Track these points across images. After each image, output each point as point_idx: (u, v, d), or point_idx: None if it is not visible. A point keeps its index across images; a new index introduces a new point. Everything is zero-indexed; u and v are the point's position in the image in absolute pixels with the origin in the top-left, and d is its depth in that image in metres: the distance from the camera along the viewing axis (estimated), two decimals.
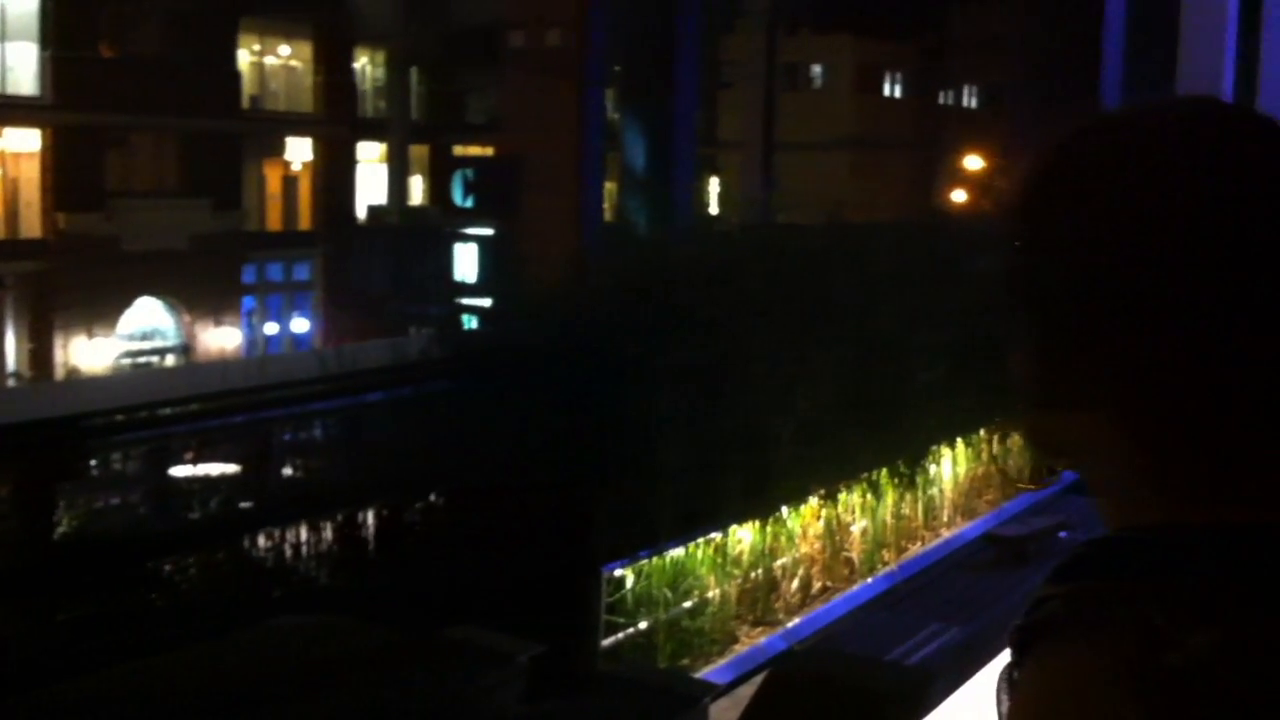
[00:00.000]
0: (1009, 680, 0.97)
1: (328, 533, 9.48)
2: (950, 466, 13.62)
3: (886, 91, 53.57)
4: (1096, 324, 0.99)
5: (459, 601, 8.81)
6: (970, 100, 57.80)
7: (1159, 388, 0.98)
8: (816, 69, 52.11)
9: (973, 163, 38.77)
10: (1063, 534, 11.48)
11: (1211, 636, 0.88)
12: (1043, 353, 1.03)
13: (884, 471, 12.56)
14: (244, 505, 9.59)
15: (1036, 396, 1.05)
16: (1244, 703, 0.87)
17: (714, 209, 43.50)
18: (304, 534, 9.43)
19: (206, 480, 9.96)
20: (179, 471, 10.83)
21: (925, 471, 13.10)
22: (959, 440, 13.56)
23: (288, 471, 10.22)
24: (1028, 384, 1.05)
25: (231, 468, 10.24)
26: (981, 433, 13.72)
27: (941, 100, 54.30)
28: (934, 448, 13.31)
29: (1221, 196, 0.97)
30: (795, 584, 11.43)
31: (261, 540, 9.34)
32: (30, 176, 31.45)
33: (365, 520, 9.63)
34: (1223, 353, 0.96)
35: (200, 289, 33.91)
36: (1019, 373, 1.05)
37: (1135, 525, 0.98)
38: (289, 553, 9.45)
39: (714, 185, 47.41)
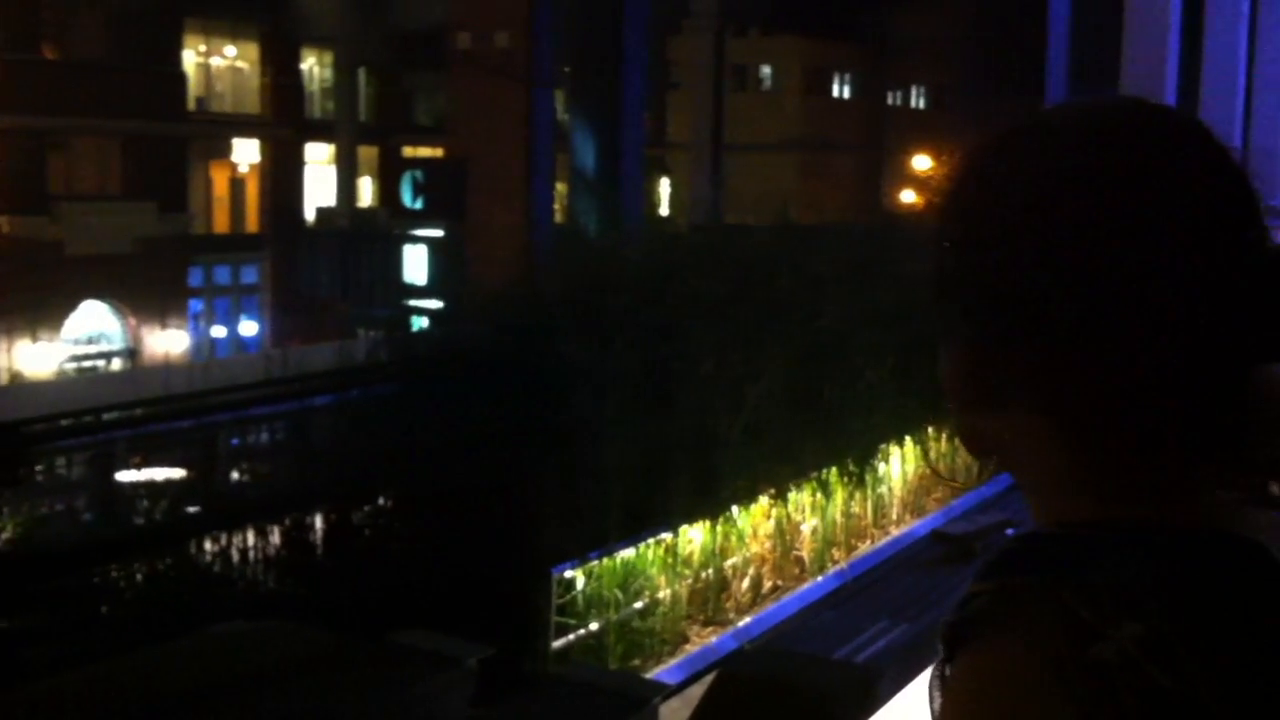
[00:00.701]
0: (940, 677, 0.97)
1: (274, 537, 9.40)
2: (899, 465, 13.68)
3: (835, 92, 53.82)
4: (1024, 325, 0.99)
5: (406, 605, 8.76)
6: (919, 101, 58.17)
7: (1087, 388, 0.99)
8: (765, 70, 52.28)
9: (921, 163, 39.04)
10: (1009, 531, 11.54)
11: (1136, 631, 0.89)
12: (973, 353, 1.04)
13: (834, 470, 12.60)
14: (185, 510, 9.49)
15: (967, 396, 1.06)
16: (1169, 696, 0.87)
17: (663, 210, 43.55)
18: (249, 539, 9.34)
19: (149, 486, 9.85)
20: (122, 477, 10.72)
21: (874, 470, 13.16)
22: (908, 439, 13.62)
23: (231, 476, 10.12)
24: (958, 384, 1.06)
25: (175, 472, 10.14)
26: (930, 430, 13.81)
27: (890, 101, 54.61)
28: (883, 446, 13.36)
29: (1148, 201, 0.98)
30: (746, 583, 11.45)
31: (206, 545, 9.25)
32: None
33: (311, 524, 9.56)
34: (1150, 354, 0.97)
35: (146, 292, 33.58)
36: (949, 372, 1.06)
37: (1063, 522, 0.99)
38: (233, 558, 9.36)
39: (664, 186, 47.47)
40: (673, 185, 46.81)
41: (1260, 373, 1.02)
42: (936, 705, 0.97)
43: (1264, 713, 0.89)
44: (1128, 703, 0.87)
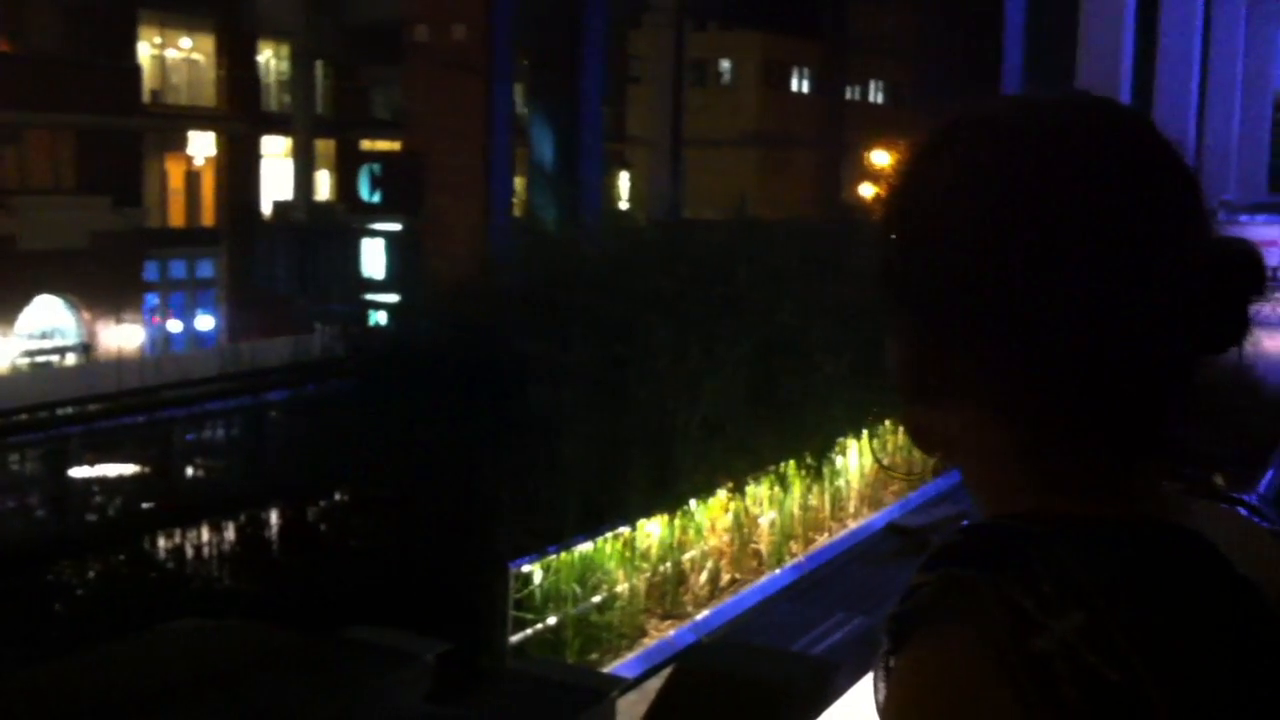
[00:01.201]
0: (885, 668, 0.97)
1: (229, 533, 9.33)
2: (857, 458, 13.73)
3: (794, 88, 53.95)
4: (965, 318, 1.00)
5: (363, 601, 8.72)
6: (877, 96, 58.40)
7: (1029, 381, 0.99)
8: (725, 65, 52.34)
9: (879, 158, 39.16)
10: (965, 523, 11.58)
11: (1077, 621, 0.89)
12: (917, 347, 1.04)
13: (791, 464, 12.63)
14: (138, 506, 9.40)
15: (914, 389, 1.05)
16: (1109, 685, 0.88)
17: (623, 205, 43.53)
18: (203, 535, 9.27)
19: (102, 481, 9.75)
20: (75, 472, 10.60)
21: (832, 463, 13.19)
22: (865, 432, 13.67)
23: (187, 471, 10.04)
24: (903, 377, 1.06)
25: (127, 468, 10.04)
26: (887, 424, 13.85)
27: (849, 96, 54.79)
28: (840, 440, 13.41)
29: (1090, 195, 0.98)
30: (704, 577, 11.45)
31: (162, 542, 9.17)
32: None
33: (266, 520, 9.49)
34: (1091, 347, 0.97)
35: (101, 287, 33.28)
36: (895, 366, 1.06)
37: (1007, 514, 0.99)
38: (186, 555, 9.29)
39: (624, 181, 47.46)
40: (632, 180, 46.82)
41: (1203, 365, 1.02)
42: (881, 696, 0.97)
43: (1204, 703, 0.89)
44: (1069, 693, 0.87)
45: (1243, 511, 1.12)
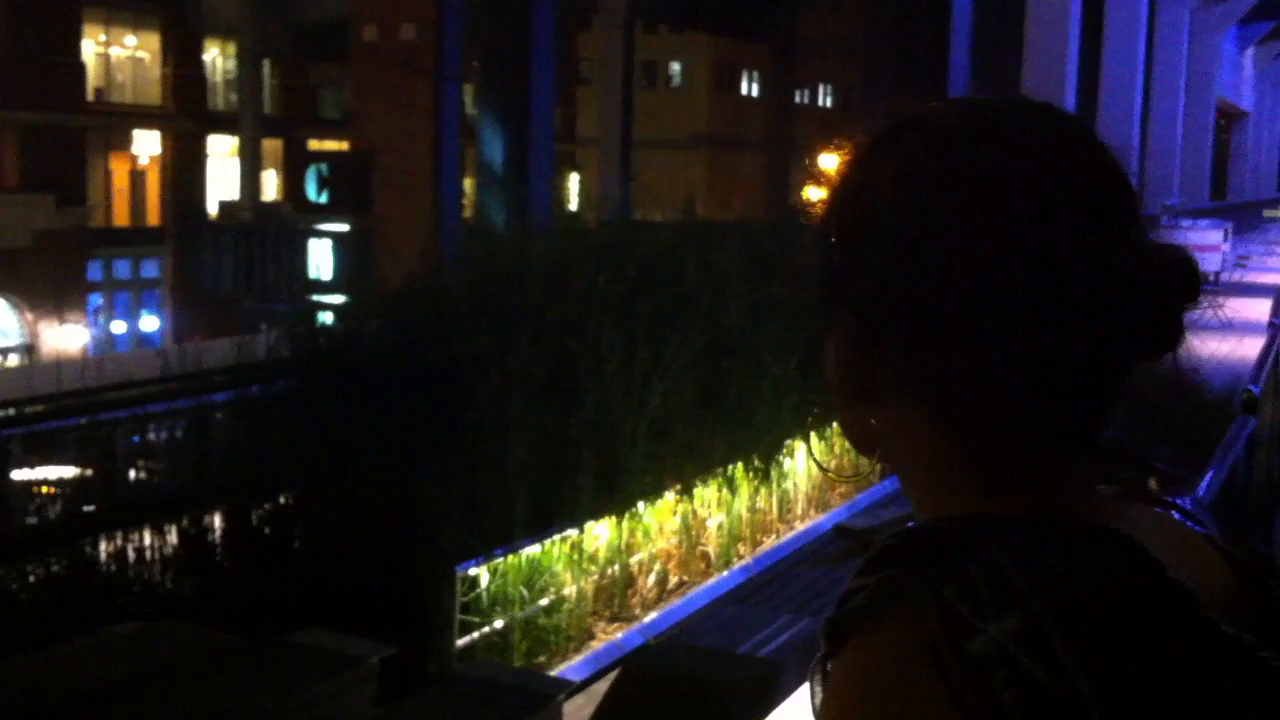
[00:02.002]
0: (822, 672, 0.97)
1: (170, 536, 9.24)
2: (805, 460, 13.77)
3: (744, 90, 54.14)
4: (905, 317, 1.00)
5: (307, 603, 8.66)
6: (826, 99, 58.71)
7: (965, 381, 0.99)
8: (675, 67, 52.44)
9: (827, 161, 39.29)
10: (910, 525, 11.65)
11: (1012, 624, 0.89)
12: (852, 347, 1.04)
13: (739, 466, 12.65)
14: (79, 508, 9.30)
15: (851, 390, 1.06)
16: (1045, 689, 0.88)
17: (574, 205, 43.52)
18: (145, 538, 9.17)
19: (42, 484, 9.64)
20: (16, 475, 10.47)
21: (780, 465, 13.23)
22: (813, 434, 13.70)
23: (126, 474, 9.93)
24: (840, 378, 1.07)
25: (69, 470, 9.93)
26: (835, 426, 13.84)
27: (798, 99, 55.05)
28: (789, 442, 13.44)
29: (1025, 197, 0.99)
30: (652, 579, 11.45)
31: (100, 545, 9.07)
32: None
33: (208, 523, 9.41)
34: (1025, 348, 0.98)
35: (44, 287, 32.89)
36: (832, 367, 1.07)
37: (942, 516, 0.99)
38: (128, 557, 9.19)
39: (574, 182, 47.46)
40: (583, 181, 46.82)
41: (1139, 368, 1.03)
42: (818, 700, 0.97)
43: (1138, 707, 0.89)
44: (1005, 696, 0.87)
45: (1177, 516, 1.13)
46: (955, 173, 1.00)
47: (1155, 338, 1.01)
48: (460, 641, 9.39)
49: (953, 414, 1.01)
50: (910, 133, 1.05)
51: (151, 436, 10.82)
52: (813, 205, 1.09)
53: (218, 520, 9.49)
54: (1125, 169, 1.05)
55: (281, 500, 9.70)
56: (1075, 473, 1.03)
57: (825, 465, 8.78)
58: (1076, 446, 1.02)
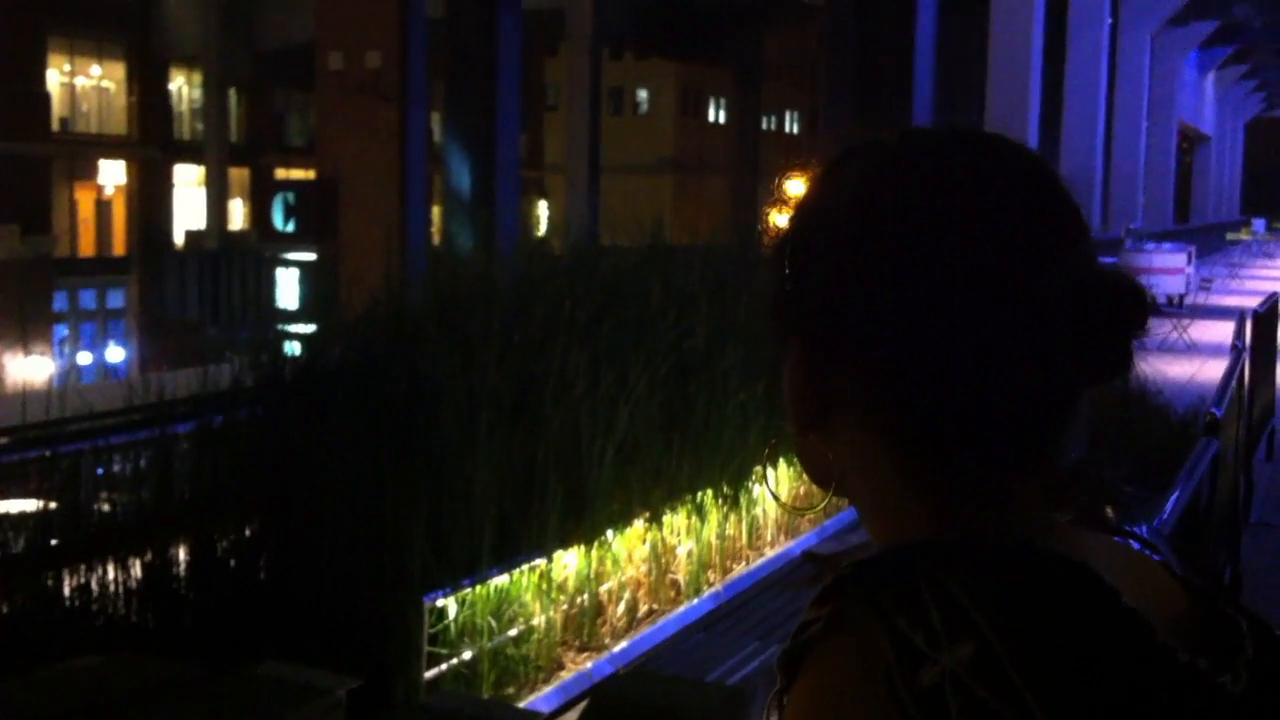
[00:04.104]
0: (778, 704, 0.97)
1: (131, 569, 9.14)
2: (774, 486, 13.78)
3: (711, 116, 54.41)
4: (853, 342, 1.01)
5: (272, 634, 8.57)
6: (793, 125, 59.05)
7: (913, 406, 1.00)
8: (642, 93, 52.67)
9: (793, 186, 39.53)
10: (864, 555, 11.63)
11: (966, 653, 0.89)
12: (804, 374, 1.05)
13: (709, 492, 12.63)
14: (43, 541, 9.19)
15: (805, 416, 1.07)
16: (998, 717, 0.88)
17: (541, 231, 43.61)
18: (106, 571, 9.07)
19: (2, 517, 9.53)
20: None
21: (749, 491, 13.22)
22: (782, 460, 13.70)
23: (91, 505, 9.83)
24: (796, 404, 1.07)
25: (31, 503, 9.83)
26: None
27: (765, 125, 55.36)
28: (757, 467, 13.43)
29: (971, 224, 1.00)
30: (621, 608, 11.40)
31: (57, 576, 8.96)
32: None
33: (169, 554, 9.31)
34: (972, 374, 0.98)
35: (8, 317, 32.67)
36: (786, 394, 1.07)
37: (896, 545, 0.99)
38: (91, 588, 9.08)
39: (542, 208, 47.54)
40: (550, 206, 46.89)
41: (1092, 395, 1.04)
42: None
43: None
44: None
45: (1134, 544, 1.13)
46: (896, 199, 1.02)
47: (1102, 364, 1.01)
48: (428, 673, 9.32)
49: (902, 440, 1.01)
50: (855, 161, 1.07)
51: (114, 467, 10.72)
52: (771, 231, 1.12)
53: (181, 551, 9.40)
54: (1073, 196, 1.05)
55: (246, 531, 9.62)
56: (1028, 499, 1.03)
57: (784, 498, 8.82)
58: (1028, 472, 1.03)
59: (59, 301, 36.75)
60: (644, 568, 11.79)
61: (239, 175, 42.87)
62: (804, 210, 1.08)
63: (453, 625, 9.61)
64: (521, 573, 10.22)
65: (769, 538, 13.54)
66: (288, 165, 42.82)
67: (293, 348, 13.48)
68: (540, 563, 10.36)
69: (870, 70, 26.84)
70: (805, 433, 1.08)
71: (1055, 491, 1.05)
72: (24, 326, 33.03)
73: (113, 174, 40.28)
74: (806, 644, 0.95)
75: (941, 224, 0.99)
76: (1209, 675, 0.95)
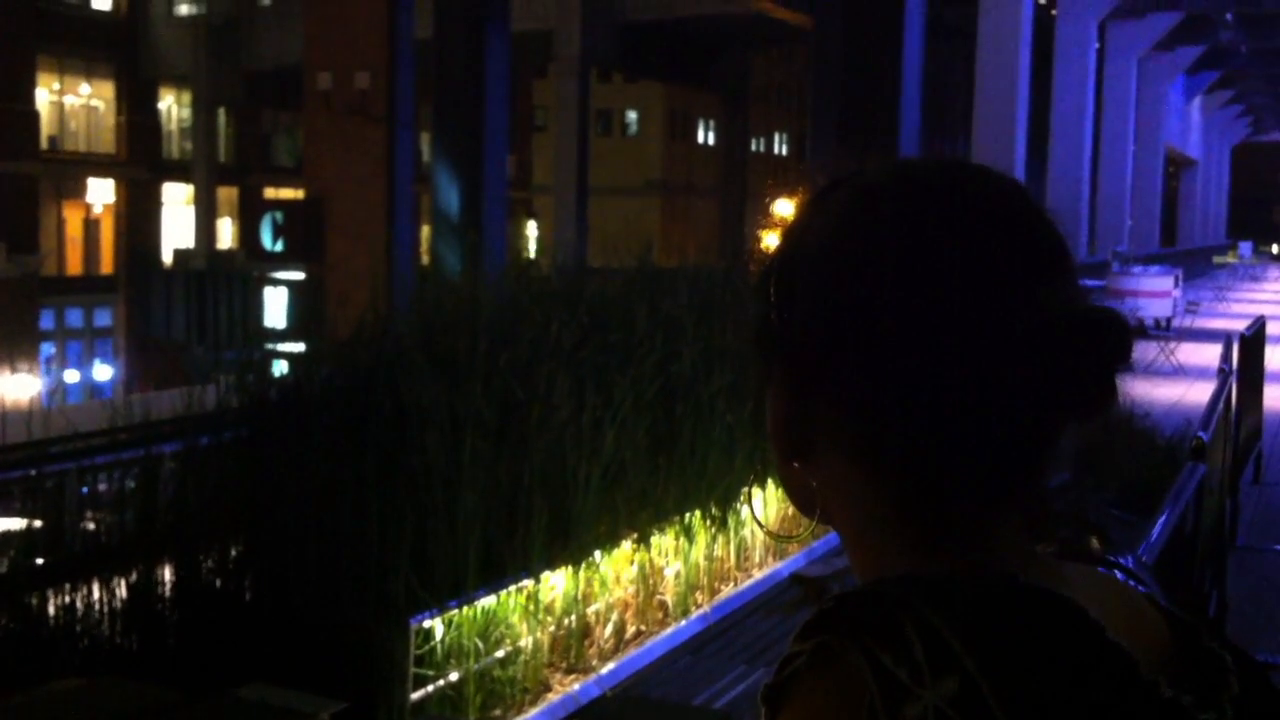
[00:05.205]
0: None
1: (115, 589, 9.10)
2: (762, 507, 13.76)
3: (700, 138, 54.52)
4: (836, 372, 1.01)
5: (255, 657, 8.53)
6: (781, 147, 59.21)
7: (893, 438, 1.00)
8: (631, 115, 52.79)
9: (782, 207, 39.64)
10: (846, 589, 11.57)
11: (950, 688, 0.89)
12: (787, 402, 1.05)
13: (697, 514, 12.60)
14: (27, 561, 9.15)
15: (788, 445, 1.07)
16: None
17: (530, 253, 43.67)
18: (93, 591, 9.03)
19: None
20: None
21: (737, 513, 13.19)
22: (770, 482, 13.69)
23: (72, 525, 9.79)
24: (780, 432, 1.07)
25: (16, 522, 9.78)
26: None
27: (754, 147, 55.50)
28: (745, 489, 13.42)
29: (955, 257, 1.00)
30: (609, 629, 11.36)
31: (40, 597, 8.92)
32: None
33: (152, 576, 9.27)
34: (952, 406, 0.98)
35: None
36: (769, 422, 1.07)
37: (880, 577, 0.99)
38: (77, 611, 9.04)
39: (531, 229, 47.60)
40: (539, 228, 46.94)
41: (1077, 429, 1.03)
42: None
43: None
44: None
45: (1119, 575, 1.12)
46: (879, 230, 1.02)
47: (1086, 399, 1.01)
48: (414, 695, 9.27)
49: (882, 471, 1.01)
50: (840, 193, 1.07)
51: (102, 487, 10.69)
52: (759, 256, 1.12)
53: (165, 572, 9.36)
54: (1058, 229, 1.05)
55: (232, 552, 9.58)
56: (1009, 531, 1.03)
57: (771, 521, 8.81)
58: (1009, 505, 1.03)
59: (46, 320, 36.67)
60: (631, 589, 11.75)
61: (227, 194, 42.87)
62: (789, 241, 1.08)
63: (439, 647, 9.56)
64: (508, 594, 10.18)
65: (757, 559, 13.52)
66: (276, 185, 42.83)
67: (280, 367, 13.46)
68: (527, 584, 10.32)
69: (857, 95, 26.93)
70: (788, 462, 1.08)
71: (1037, 523, 1.05)
72: (11, 344, 32.94)
73: (101, 192, 40.24)
74: (791, 677, 0.94)
75: (921, 260, 0.99)
76: (1193, 712, 0.95)
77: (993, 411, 0.98)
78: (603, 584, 11.35)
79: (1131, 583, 1.11)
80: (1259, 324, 12.79)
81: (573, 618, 10.93)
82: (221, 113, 42.12)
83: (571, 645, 10.90)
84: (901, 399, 0.99)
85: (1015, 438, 1.00)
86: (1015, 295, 0.99)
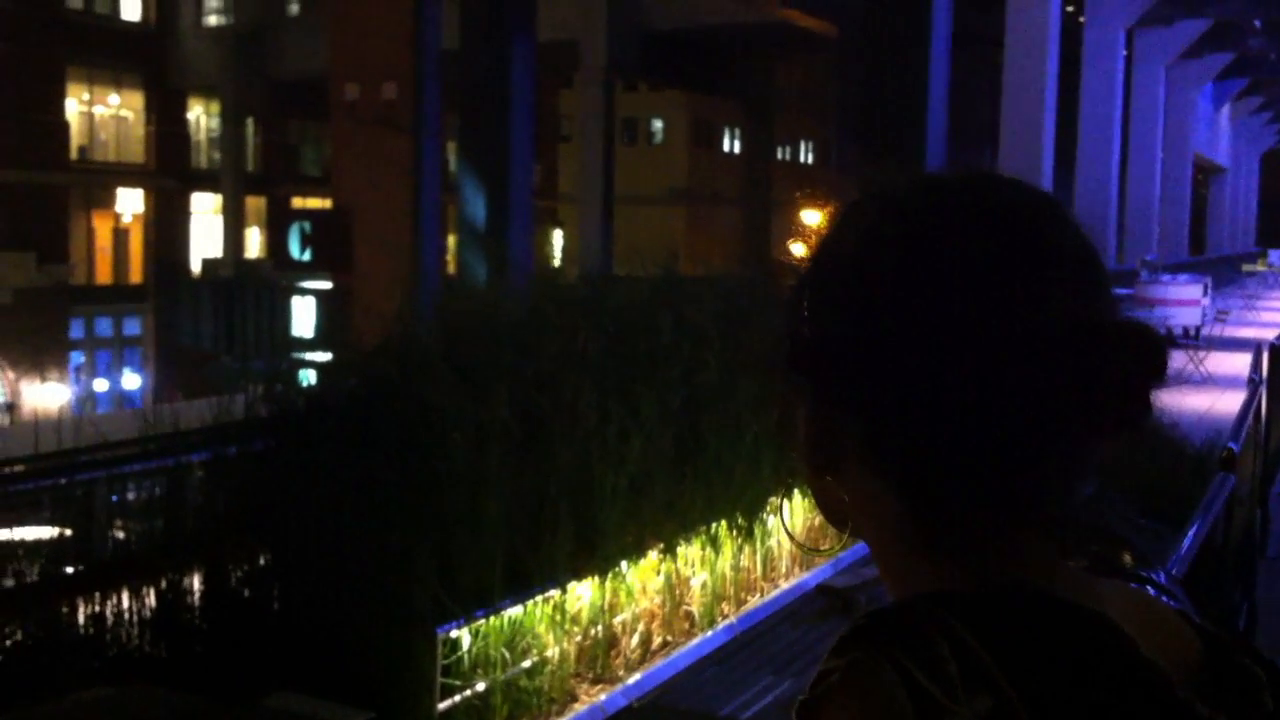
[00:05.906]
0: None
1: (144, 598, 9.14)
2: (789, 518, 13.72)
3: (725, 147, 54.49)
4: (864, 388, 1.01)
5: (283, 666, 8.55)
6: (807, 156, 59.11)
7: (922, 453, 0.99)
8: (656, 124, 52.78)
9: (808, 217, 39.55)
10: (880, 605, 11.50)
11: (984, 705, 0.89)
12: (819, 416, 1.05)
13: (723, 524, 12.58)
14: (54, 569, 9.20)
15: (818, 460, 1.07)
16: None
17: (556, 261, 43.72)
18: (123, 599, 9.07)
19: (16, 545, 9.53)
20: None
21: (763, 523, 13.16)
22: (796, 492, 13.66)
23: (101, 534, 9.84)
24: (810, 447, 1.07)
25: (47, 531, 9.84)
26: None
27: (779, 156, 55.41)
28: (772, 499, 13.38)
29: (986, 276, 0.99)
30: (635, 640, 11.34)
31: (70, 605, 8.96)
32: None
33: (181, 585, 9.31)
34: (981, 422, 0.97)
35: (25, 345, 32.80)
36: (800, 437, 1.07)
37: (912, 593, 0.99)
38: (106, 619, 9.08)
39: (556, 238, 47.66)
40: (564, 237, 47.00)
41: (1109, 445, 1.02)
42: None
43: None
44: None
45: (1150, 590, 1.12)
46: (909, 245, 1.01)
47: (1116, 415, 1.00)
48: (441, 704, 9.28)
49: (911, 486, 1.01)
50: (872, 207, 1.06)
51: (129, 496, 10.74)
52: (790, 269, 1.12)
53: (194, 581, 9.39)
54: (1090, 243, 1.04)
55: (260, 561, 9.61)
56: (1040, 546, 1.02)
57: (799, 530, 8.77)
58: (1039, 520, 1.02)
59: (75, 329, 36.90)
60: (658, 599, 11.73)
61: (255, 204, 43.08)
62: (820, 255, 1.08)
63: (466, 657, 9.57)
64: (535, 604, 10.18)
65: (783, 569, 13.48)
66: (304, 194, 42.99)
67: (307, 376, 13.49)
68: (554, 594, 10.32)
69: (881, 103, 26.86)
70: (818, 475, 1.08)
71: (1068, 538, 1.04)
72: (41, 354, 33.16)
73: (130, 202, 40.48)
74: (825, 694, 0.94)
75: (945, 276, 0.99)
76: None
77: (1018, 430, 0.98)
78: (629, 594, 11.34)
79: (1164, 598, 1.11)
80: None
81: (599, 628, 10.93)
82: (249, 123, 42.33)
83: (598, 655, 10.89)
84: (925, 416, 0.98)
85: (1042, 455, 0.99)
86: (1040, 313, 0.99)
